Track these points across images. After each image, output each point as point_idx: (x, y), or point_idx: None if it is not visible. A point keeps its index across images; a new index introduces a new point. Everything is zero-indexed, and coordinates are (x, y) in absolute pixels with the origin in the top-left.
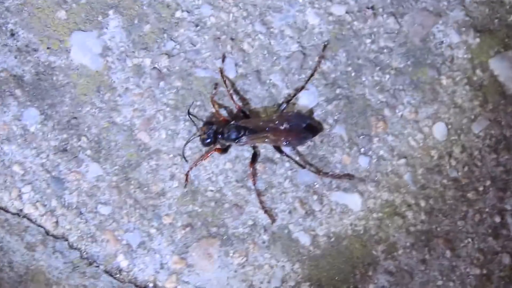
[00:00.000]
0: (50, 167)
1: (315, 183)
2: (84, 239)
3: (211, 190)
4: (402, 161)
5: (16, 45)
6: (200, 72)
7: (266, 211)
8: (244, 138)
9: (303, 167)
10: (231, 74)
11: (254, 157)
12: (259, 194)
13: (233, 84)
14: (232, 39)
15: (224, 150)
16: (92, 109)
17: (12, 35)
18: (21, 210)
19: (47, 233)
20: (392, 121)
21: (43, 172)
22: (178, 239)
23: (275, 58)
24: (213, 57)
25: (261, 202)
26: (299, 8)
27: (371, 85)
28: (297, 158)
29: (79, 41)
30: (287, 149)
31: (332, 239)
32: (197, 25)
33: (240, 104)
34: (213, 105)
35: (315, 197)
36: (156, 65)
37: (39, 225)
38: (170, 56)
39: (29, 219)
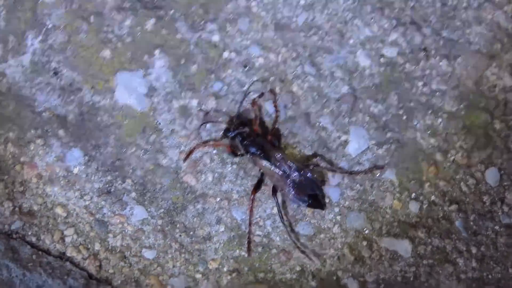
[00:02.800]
0: (93, 210)
1: (365, 229)
2: (128, 284)
3: (259, 235)
4: (454, 206)
5: (59, 84)
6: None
7: (249, 243)
8: (257, 158)
9: (283, 223)
10: (279, 117)
11: (259, 185)
12: (250, 223)
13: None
14: (281, 80)
15: (234, 153)
16: (137, 150)
17: (56, 73)
18: (63, 253)
19: (90, 277)
20: (444, 165)
21: (86, 215)
22: (224, 285)
23: (324, 100)
24: (262, 99)
25: (249, 232)
26: (350, 49)
27: (423, 129)
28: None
29: (124, 80)
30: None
31: (381, 286)
32: (245, 66)
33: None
34: (254, 109)
35: (364, 242)
36: (203, 107)
37: (82, 269)
38: (217, 97)
39: (72, 263)
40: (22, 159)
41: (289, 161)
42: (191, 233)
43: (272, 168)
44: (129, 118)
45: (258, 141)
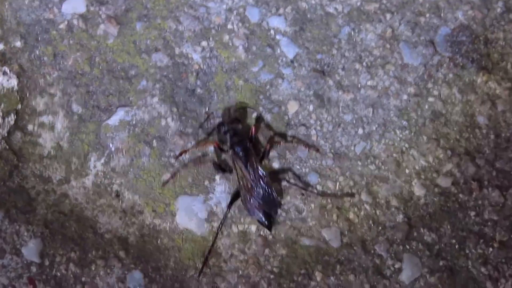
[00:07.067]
0: None
1: None
2: None
3: None
4: None
5: (121, 207)
6: (305, 240)
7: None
8: (236, 158)
9: (218, 230)
10: (335, 243)
11: (222, 167)
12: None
13: None
14: (338, 208)
15: (220, 149)
16: (196, 273)
17: (117, 196)
18: None
19: None
20: None
21: None
22: None
23: (380, 228)
24: (319, 226)
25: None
26: (406, 179)
27: (475, 258)
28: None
29: (185, 205)
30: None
31: None
32: (303, 194)
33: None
34: (255, 130)
35: None
36: (261, 232)
37: None
38: (276, 223)
39: None
40: (83, 279)
41: (263, 173)
42: None
43: (245, 173)
44: (189, 242)
45: (245, 143)
